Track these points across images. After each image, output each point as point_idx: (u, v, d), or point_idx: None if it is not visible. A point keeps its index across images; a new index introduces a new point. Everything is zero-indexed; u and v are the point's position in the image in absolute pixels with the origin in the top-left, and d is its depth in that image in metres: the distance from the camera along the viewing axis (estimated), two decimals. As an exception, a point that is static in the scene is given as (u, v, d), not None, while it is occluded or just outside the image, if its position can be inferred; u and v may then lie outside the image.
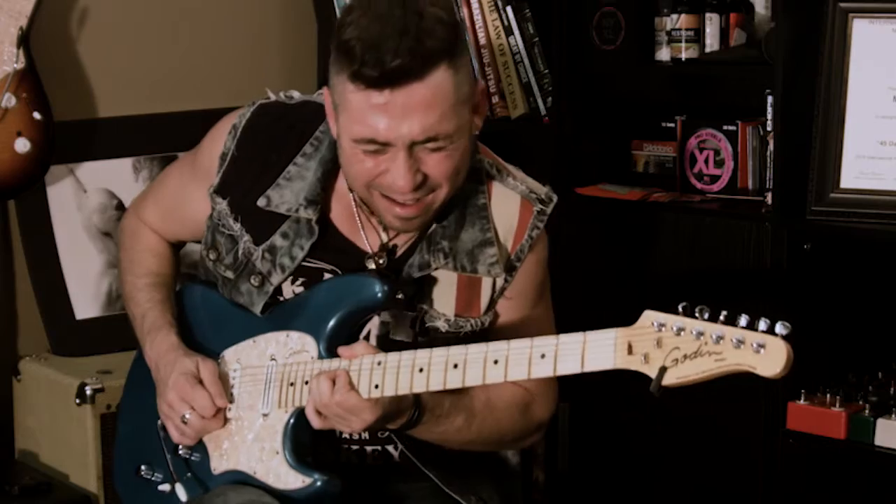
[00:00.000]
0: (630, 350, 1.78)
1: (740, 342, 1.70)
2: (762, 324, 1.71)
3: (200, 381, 2.08)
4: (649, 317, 1.79)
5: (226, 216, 2.15)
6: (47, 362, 3.17)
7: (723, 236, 2.96)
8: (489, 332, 2.14)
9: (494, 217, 2.11)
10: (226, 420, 2.11)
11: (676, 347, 1.75)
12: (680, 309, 1.77)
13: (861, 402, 2.75)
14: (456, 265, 2.08)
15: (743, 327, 1.72)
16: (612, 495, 3.22)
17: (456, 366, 1.91)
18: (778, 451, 2.83)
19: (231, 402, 2.10)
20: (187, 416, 2.08)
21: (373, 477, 2.13)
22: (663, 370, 1.75)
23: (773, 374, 1.70)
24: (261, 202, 2.12)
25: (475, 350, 1.91)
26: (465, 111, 1.96)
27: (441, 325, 2.09)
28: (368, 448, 2.13)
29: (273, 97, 2.20)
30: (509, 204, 2.13)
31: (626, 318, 3.06)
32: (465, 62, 1.97)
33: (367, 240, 2.11)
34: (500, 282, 2.12)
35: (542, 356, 1.85)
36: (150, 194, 2.37)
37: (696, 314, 1.76)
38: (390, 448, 2.13)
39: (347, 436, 2.11)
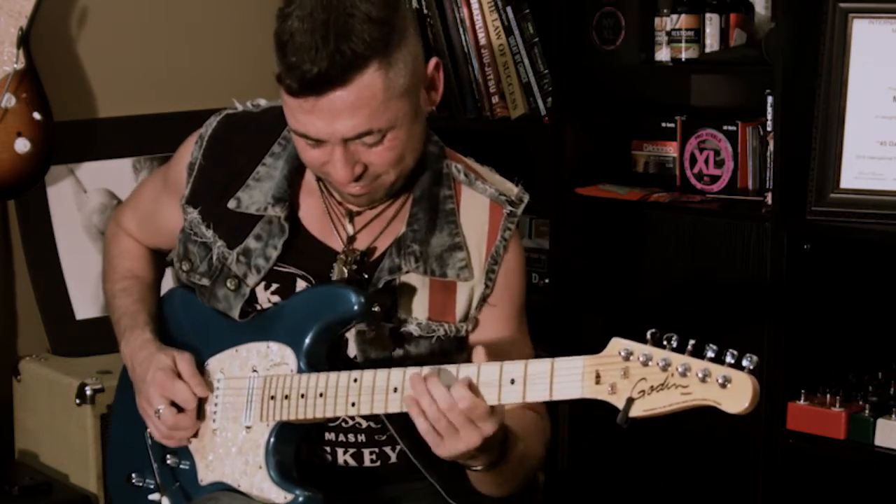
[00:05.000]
0: (598, 379, 1.77)
1: (706, 375, 1.68)
2: (729, 356, 1.68)
3: (179, 375, 2.08)
4: (617, 345, 1.77)
5: (198, 224, 2.15)
6: (47, 362, 3.17)
7: (723, 236, 2.96)
8: (473, 347, 2.13)
9: (464, 222, 2.10)
10: (211, 431, 2.10)
11: (643, 378, 1.73)
12: (648, 336, 1.74)
13: (861, 402, 2.75)
14: (426, 269, 2.07)
15: (710, 359, 1.70)
16: (612, 495, 3.22)
17: None
18: (778, 451, 2.83)
19: (211, 394, 2.10)
20: (161, 409, 2.07)
21: (369, 478, 2.13)
22: (630, 401, 1.73)
23: (739, 411, 1.68)
24: (231, 204, 2.12)
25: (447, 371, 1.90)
26: (404, 102, 1.93)
27: (413, 328, 2.07)
28: (366, 450, 2.12)
29: (240, 107, 2.21)
30: (478, 208, 2.12)
31: (626, 318, 3.08)
32: (405, 53, 1.92)
33: (338, 234, 2.11)
34: (479, 288, 2.10)
35: (512, 381, 1.84)
36: (129, 203, 2.39)
37: (665, 342, 1.73)
38: (387, 449, 2.13)
39: (344, 438, 2.10)
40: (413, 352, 2.07)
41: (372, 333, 2.06)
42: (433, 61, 2.02)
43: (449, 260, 2.08)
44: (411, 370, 1.93)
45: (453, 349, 2.11)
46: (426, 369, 1.91)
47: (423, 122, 2.03)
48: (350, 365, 2.07)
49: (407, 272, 2.07)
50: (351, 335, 2.08)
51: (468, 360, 2.10)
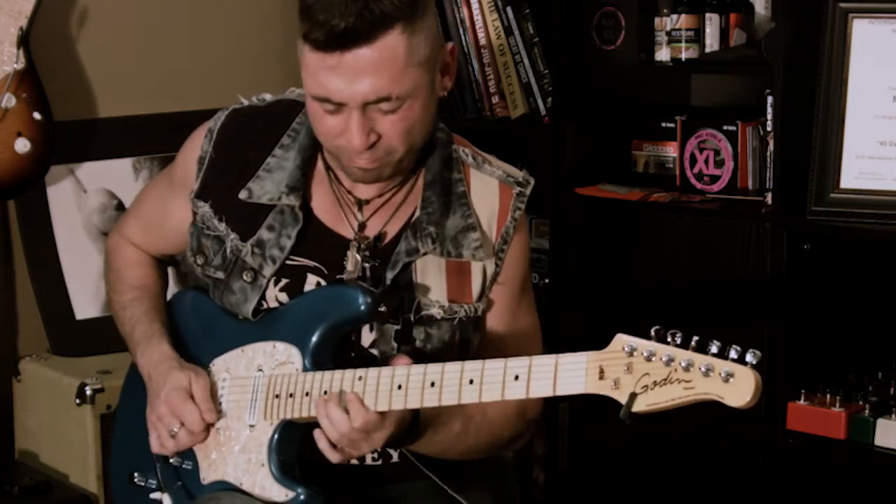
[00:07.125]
0: (601, 375, 1.78)
1: (709, 370, 1.69)
2: (732, 352, 1.69)
3: (192, 396, 2.09)
4: (620, 341, 1.78)
5: (209, 218, 2.16)
6: (47, 362, 3.17)
7: (723, 236, 2.96)
8: (483, 325, 2.15)
9: (475, 203, 2.13)
10: (215, 430, 2.11)
11: (646, 373, 1.74)
12: (652, 333, 1.75)
13: (861, 402, 2.75)
14: (443, 251, 2.09)
15: (713, 354, 1.70)
16: (612, 495, 3.22)
17: (433, 384, 1.92)
18: (778, 451, 2.83)
19: (220, 416, 2.11)
20: (175, 429, 2.09)
21: (371, 477, 2.13)
22: (633, 396, 1.74)
23: (742, 405, 1.68)
24: (242, 195, 2.13)
25: (451, 368, 1.92)
26: (423, 73, 1.97)
27: (436, 312, 2.09)
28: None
29: (246, 102, 2.23)
30: (488, 189, 2.15)
31: (626, 318, 3.08)
32: (427, 25, 1.97)
33: (349, 222, 2.12)
34: (490, 267, 2.13)
35: (516, 378, 1.86)
36: (130, 213, 2.39)
37: (668, 338, 1.74)
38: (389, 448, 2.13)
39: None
40: (435, 335, 2.09)
41: (378, 328, 2.07)
42: (449, 45, 2.06)
43: (464, 241, 2.10)
44: (415, 368, 1.94)
45: (470, 330, 2.12)
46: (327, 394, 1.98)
47: (437, 103, 2.05)
48: (365, 355, 2.08)
49: (424, 254, 2.08)
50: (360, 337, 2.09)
51: (482, 341, 2.13)
